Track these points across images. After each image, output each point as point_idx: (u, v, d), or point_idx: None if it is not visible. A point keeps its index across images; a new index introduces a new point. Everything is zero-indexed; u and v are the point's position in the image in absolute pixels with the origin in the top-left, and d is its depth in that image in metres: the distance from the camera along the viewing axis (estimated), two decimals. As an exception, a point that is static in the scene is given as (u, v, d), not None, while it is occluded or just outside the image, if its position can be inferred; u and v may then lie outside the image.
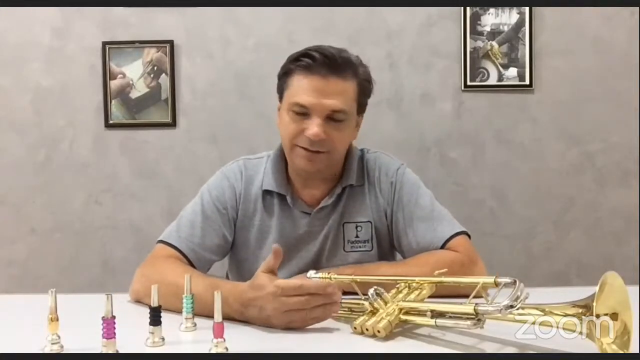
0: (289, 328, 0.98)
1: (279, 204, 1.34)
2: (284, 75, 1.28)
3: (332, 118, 1.23)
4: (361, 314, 0.98)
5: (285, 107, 1.27)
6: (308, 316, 0.98)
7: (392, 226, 1.34)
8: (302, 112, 1.23)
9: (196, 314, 1.00)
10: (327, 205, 1.33)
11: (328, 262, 1.32)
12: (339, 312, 1.05)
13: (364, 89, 1.29)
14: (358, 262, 1.30)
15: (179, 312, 1.01)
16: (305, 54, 1.24)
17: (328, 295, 0.97)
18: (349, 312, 1.03)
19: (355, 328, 0.95)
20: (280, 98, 1.31)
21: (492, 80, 2.30)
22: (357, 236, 1.33)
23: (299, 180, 1.34)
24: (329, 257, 1.33)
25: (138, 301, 1.19)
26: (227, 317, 0.97)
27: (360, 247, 1.33)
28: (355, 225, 1.33)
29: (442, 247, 1.27)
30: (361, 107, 1.32)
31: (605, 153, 2.31)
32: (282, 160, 1.35)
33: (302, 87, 1.23)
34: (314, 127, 1.21)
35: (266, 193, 1.34)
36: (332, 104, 1.22)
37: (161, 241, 1.29)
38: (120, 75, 2.33)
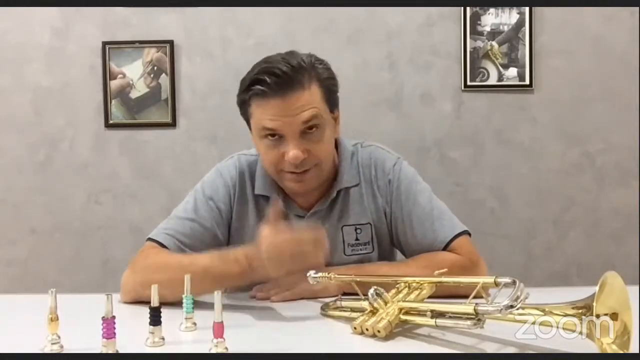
0: (282, 273, 1.04)
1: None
2: (242, 104, 1.24)
3: (307, 129, 1.18)
4: (361, 314, 0.98)
5: (257, 134, 1.23)
6: (298, 255, 1.00)
7: (392, 225, 1.31)
8: (275, 135, 1.19)
9: (207, 290, 0.98)
10: (322, 209, 1.29)
11: (328, 266, 1.30)
12: (339, 312, 1.05)
13: (329, 87, 1.23)
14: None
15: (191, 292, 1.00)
16: (255, 80, 1.17)
17: (317, 235, 1.02)
18: (349, 312, 1.03)
19: (355, 328, 0.95)
20: (248, 124, 1.27)
21: (492, 80, 2.30)
22: (357, 239, 1.30)
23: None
24: (329, 260, 1.28)
25: (135, 300, 1.15)
26: (239, 277, 1.05)
27: (360, 249, 1.30)
28: (355, 227, 1.30)
29: (444, 248, 1.25)
30: (332, 105, 1.25)
31: (605, 153, 2.31)
32: None
33: (265, 113, 1.17)
34: (291, 149, 1.17)
35: (259, 195, 1.31)
36: (302, 117, 1.16)
37: (150, 239, 1.26)
38: (120, 75, 2.33)
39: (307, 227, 1.03)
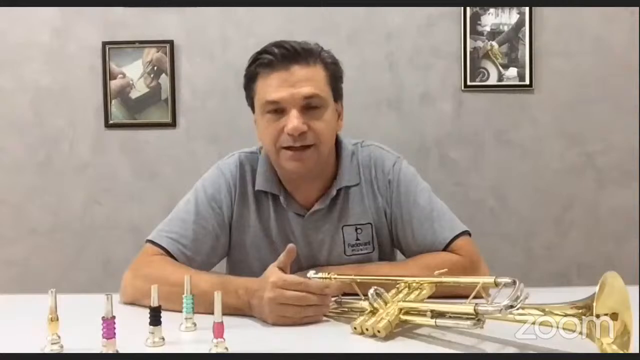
0: (280, 324, 1.00)
1: (273, 204, 1.30)
2: (249, 82, 1.26)
3: (308, 107, 1.19)
4: (361, 314, 0.98)
5: (259, 111, 1.24)
6: (301, 314, 1.00)
7: (392, 226, 1.31)
8: (277, 110, 1.20)
9: (202, 312, 0.99)
10: (322, 209, 1.29)
11: (328, 266, 1.27)
12: (339, 312, 1.05)
13: (334, 72, 1.25)
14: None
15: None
16: (263, 51, 1.22)
17: (324, 296, 1.02)
18: (349, 312, 1.03)
19: (355, 328, 0.95)
20: (253, 108, 1.28)
21: (492, 80, 2.30)
22: (357, 239, 1.30)
23: (291, 182, 1.29)
24: (329, 260, 1.30)
25: (134, 303, 1.16)
26: (235, 310, 1.03)
27: (361, 249, 1.30)
28: (355, 227, 1.30)
29: (444, 249, 1.25)
30: (336, 93, 1.27)
31: (605, 153, 2.31)
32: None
33: (269, 85, 1.20)
34: (292, 120, 1.17)
35: (260, 192, 1.30)
36: (304, 91, 1.18)
37: (151, 241, 1.25)
38: (120, 75, 2.33)
39: (315, 283, 1.03)
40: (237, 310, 1.05)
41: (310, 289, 1.00)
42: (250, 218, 1.31)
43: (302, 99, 1.18)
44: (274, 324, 1.00)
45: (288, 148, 1.20)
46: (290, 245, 1.08)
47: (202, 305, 0.99)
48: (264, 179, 1.30)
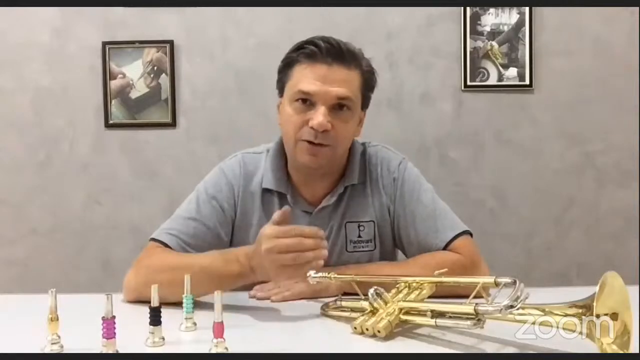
0: (282, 276, 1.02)
1: (279, 202, 1.31)
2: (286, 66, 1.26)
3: (337, 107, 1.21)
4: (361, 314, 0.98)
5: (288, 98, 1.24)
6: (300, 259, 0.99)
7: (394, 223, 1.32)
8: (307, 102, 1.21)
9: (206, 291, 1.00)
10: (329, 205, 1.30)
11: (328, 265, 1.29)
12: (339, 312, 1.05)
13: (368, 81, 1.28)
14: (360, 262, 1.30)
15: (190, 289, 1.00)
16: (309, 42, 1.22)
17: (319, 239, 1.01)
18: (349, 312, 1.03)
19: (355, 328, 0.95)
20: (281, 92, 1.29)
21: (492, 80, 2.30)
22: (359, 236, 1.31)
23: (300, 177, 1.31)
24: (330, 256, 1.28)
25: (137, 299, 1.15)
26: (239, 277, 1.05)
27: (363, 247, 1.31)
28: (358, 224, 1.31)
29: (445, 248, 1.26)
30: (365, 101, 1.30)
31: (605, 153, 2.31)
32: (281, 157, 1.32)
33: (306, 76, 1.20)
34: (319, 116, 1.18)
35: (266, 191, 1.31)
36: (338, 91, 1.20)
37: (153, 239, 1.26)
38: (120, 75, 2.33)
39: (308, 227, 1.03)
40: (240, 277, 1.06)
41: (304, 233, 1.00)
42: (254, 217, 1.31)
43: (334, 98, 1.20)
44: (277, 278, 1.01)
45: (306, 142, 1.21)
46: (286, 207, 1.07)
47: (207, 281, 0.99)
48: (273, 177, 1.31)
